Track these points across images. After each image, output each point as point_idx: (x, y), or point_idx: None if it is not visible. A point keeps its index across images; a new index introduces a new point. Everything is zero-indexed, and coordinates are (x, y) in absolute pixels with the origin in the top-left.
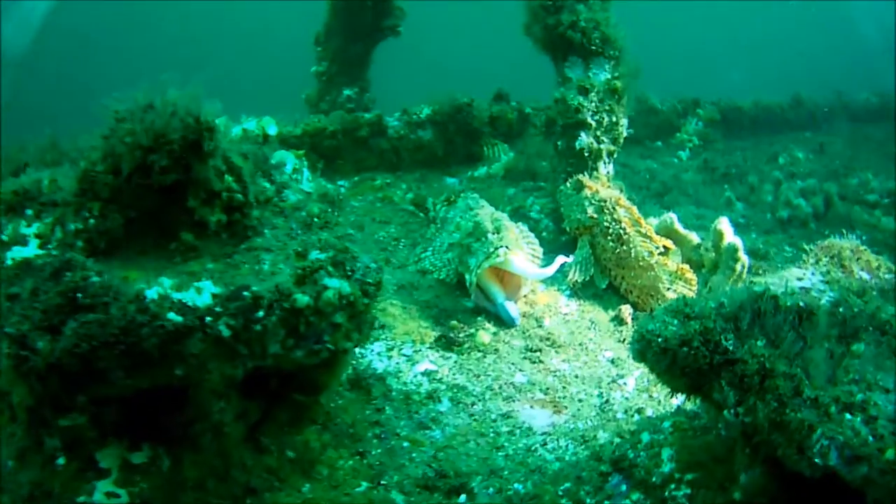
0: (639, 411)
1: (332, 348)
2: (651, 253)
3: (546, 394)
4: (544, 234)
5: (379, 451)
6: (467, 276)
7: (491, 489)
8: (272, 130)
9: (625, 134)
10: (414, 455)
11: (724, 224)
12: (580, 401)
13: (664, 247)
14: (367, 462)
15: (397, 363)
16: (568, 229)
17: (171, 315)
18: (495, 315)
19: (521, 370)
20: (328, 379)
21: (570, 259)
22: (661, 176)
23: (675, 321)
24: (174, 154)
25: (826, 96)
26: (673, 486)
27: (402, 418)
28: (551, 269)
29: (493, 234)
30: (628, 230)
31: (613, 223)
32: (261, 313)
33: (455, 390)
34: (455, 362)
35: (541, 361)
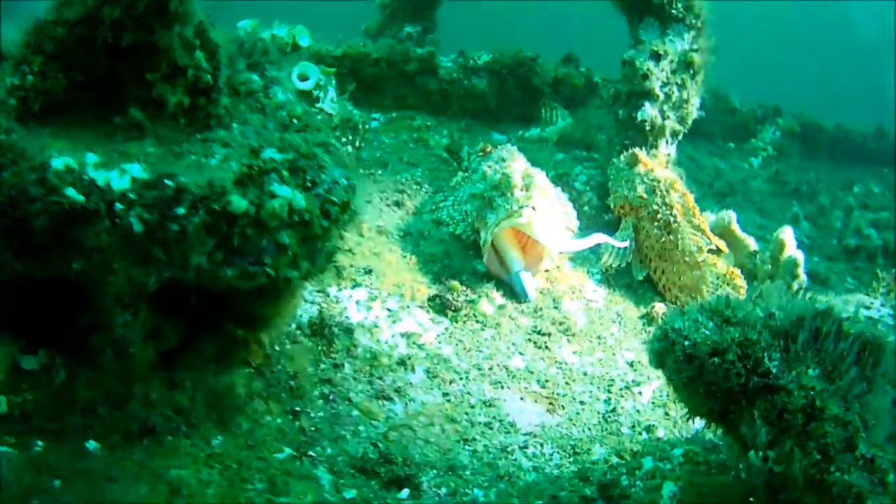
0: (648, 429)
1: (273, 274)
2: (700, 249)
3: (543, 387)
4: (586, 208)
5: (320, 414)
6: (482, 234)
7: (444, 489)
8: (304, 41)
9: (695, 115)
10: (361, 428)
11: (787, 234)
12: (582, 403)
13: (716, 246)
14: (300, 425)
15: (376, 317)
16: (612, 206)
17: (71, 192)
18: (508, 285)
19: (521, 353)
20: (267, 312)
21: (609, 240)
22: (727, 177)
23: (711, 324)
24: (133, 10)
25: None
26: None
27: (362, 381)
28: (583, 244)
29: (522, 190)
30: (679, 219)
31: (664, 208)
32: (181, 210)
33: (435, 361)
34: (445, 329)
35: (547, 348)
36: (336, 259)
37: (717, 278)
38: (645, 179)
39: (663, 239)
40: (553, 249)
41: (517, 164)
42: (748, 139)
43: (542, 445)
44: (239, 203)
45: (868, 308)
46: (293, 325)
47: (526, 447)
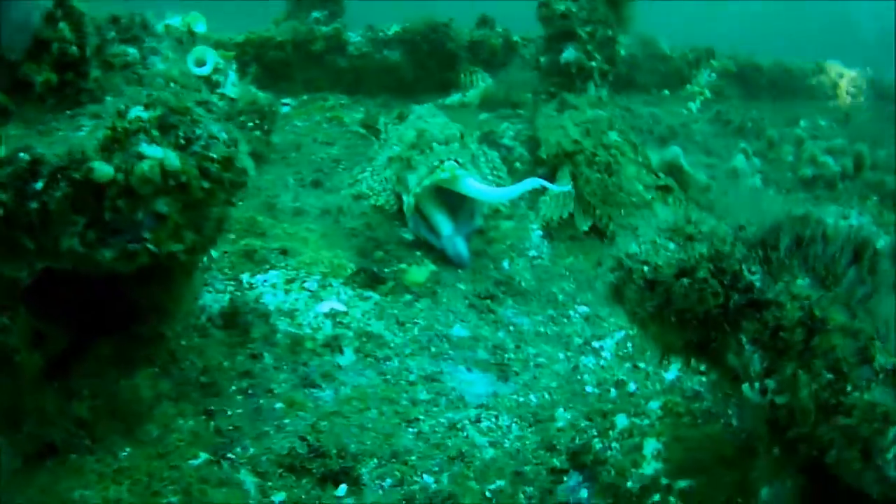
0: (617, 385)
1: (155, 250)
2: (647, 187)
3: (492, 354)
4: (517, 164)
5: (239, 411)
6: (405, 198)
7: (388, 480)
8: (200, 28)
9: (622, 54)
10: (286, 421)
11: (739, 161)
12: (538, 366)
13: (665, 183)
14: (216, 425)
15: (296, 299)
16: (545, 157)
17: None
18: (441, 251)
19: (462, 321)
20: (161, 299)
21: (546, 184)
22: (666, 122)
23: (672, 244)
24: None
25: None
26: (657, 496)
27: (284, 370)
28: (515, 191)
29: (442, 144)
30: (620, 158)
31: (601, 149)
32: (39, 184)
33: (365, 339)
34: (375, 304)
35: (491, 312)
36: (249, 243)
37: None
38: (577, 122)
39: (606, 182)
40: (483, 202)
41: (435, 121)
42: (683, 86)
43: (496, 417)
44: (102, 169)
45: (846, 218)
46: (203, 318)
47: (478, 421)
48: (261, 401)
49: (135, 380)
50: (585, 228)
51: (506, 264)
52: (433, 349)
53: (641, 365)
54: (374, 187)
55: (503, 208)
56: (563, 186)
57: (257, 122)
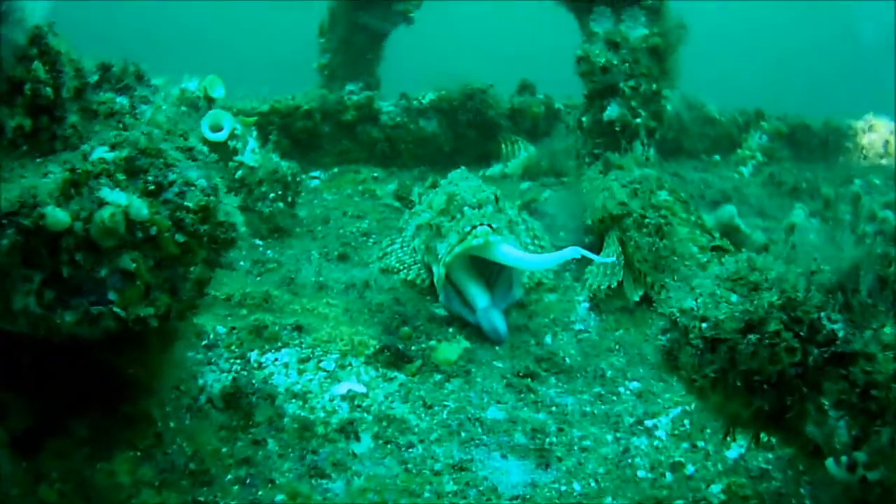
0: (673, 467)
1: (122, 314)
2: (702, 248)
3: (532, 439)
4: (561, 233)
5: (234, 502)
6: (434, 269)
7: None
8: (218, 93)
9: (669, 109)
10: None
11: (798, 216)
12: (583, 450)
13: (720, 246)
14: None
15: (309, 380)
16: (590, 223)
17: None
18: (476, 326)
19: (498, 402)
20: (137, 371)
21: (587, 254)
22: (718, 187)
23: (734, 296)
24: None
25: None
26: None
27: (290, 458)
28: (553, 259)
29: (475, 208)
30: (671, 219)
31: (651, 210)
32: None
33: (385, 424)
34: (399, 386)
35: (531, 391)
36: (259, 318)
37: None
38: (623, 183)
39: (656, 246)
40: (522, 270)
41: (467, 184)
42: (733, 150)
43: None
44: (56, 215)
45: None
46: (202, 398)
47: None
48: (259, 492)
49: (112, 464)
50: (636, 298)
51: (548, 339)
52: (463, 434)
53: (700, 444)
54: (404, 260)
55: (546, 280)
56: (608, 258)
57: (279, 192)
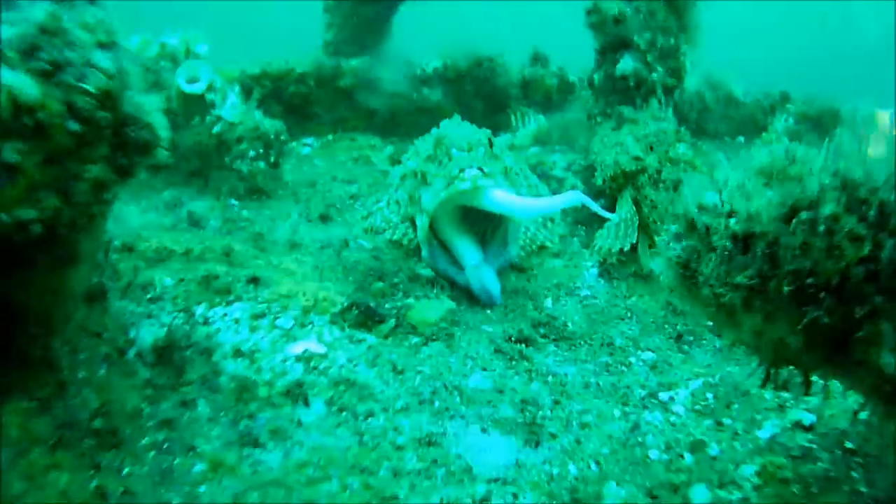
0: (693, 447)
1: (6, 220)
2: None
3: (521, 411)
4: None
5: (142, 470)
6: (418, 220)
7: None
8: (201, 49)
9: (688, 68)
10: (202, 490)
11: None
12: (584, 426)
13: None
14: (100, 486)
15: (262, 337)
16: (602, 182)
17: None
18: (464, 288)
19: (484, 369)
20: (28, 298)
21: (592, 206)
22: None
23: (770, 191)
24: None
25: None
26: None
27: (221, 423)
28: (552, 205)
29: (464, 151)
30: (690, 171)
31: (669, 165)
32: None
33: (343, 388)
34: (368, 349)
35: (524, 358)
36: (210, 270)
37: None
38: (638, 137)
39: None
40: (515, 216)
41: (459, 129)
42: (759, 133)
43: (515, 496)
44: None
45: None
46: (131, 353)
47: (487, 500)
48: (176, 460)
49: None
50: (652, 266)
51: (548, 303)
52: (437, 403)
53: (727, 421)
54: (390, 219)
55: (550, 244)
56: (624, 214)
57: (260, 151)
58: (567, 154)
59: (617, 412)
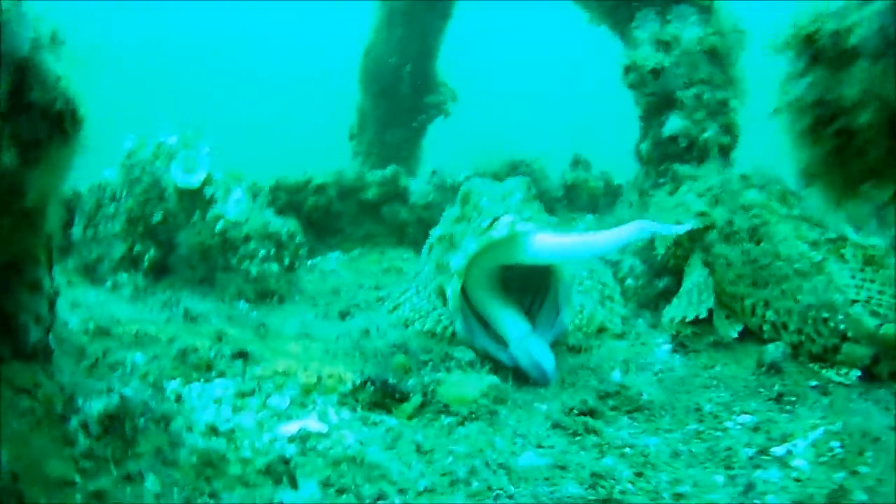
0: (834, 496)
1: None
2: (815, 244)
3: (591, 486)
4: (629, 280)
5: None
6: (447, 289)
7: None
8: (203, 148)
9: (739, 123)
10: None
11: None
12: (676, 497)
13: (837, 238)
14: None
15: (246, 417)
16: (665, 251)
17: None
18: (511, 367)
19: (539, 446)
20: None
21: (666, 231)
22: None
23: None
24: None
25: None
26: None
27: (171, 501)
28: (617, 239)
29: (496, 201)
30: (766, 216)
31: (740, 213)
32: None
33: (346, 467)
34: (387, 431)
35: (592, 432)
36: (189, 343)
37: (852, 272)
38: (700, 192)
39: (753, 255)
40: (570, 259)
41: (490, 185)
42: None
43: None
44: None
45: None
46: (74, 421)
47: None
48: None
49: None
50: (734, 335)
51: (615, 376)
52: (476, 484)
53: (864, 469)
54: (420, 308)
55: (610, 325)
56: (696, 279)
57: (271, 252)
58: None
59: (720, 478)
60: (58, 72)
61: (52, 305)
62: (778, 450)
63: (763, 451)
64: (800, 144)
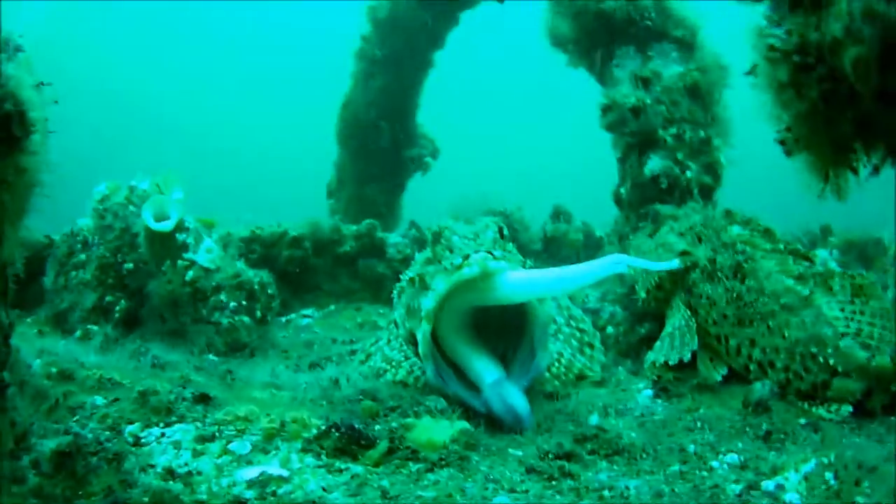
0: None
1: None
2: (800, 278)
3: None
4: (609, 328)
5: None
6: (418, 333)
7: None
8: (176, 195)
9: (723, 162)
10: None
11: None
12: None
13: (824, 272)
14: None
15: (205, 461)
16: (646, 295)
17: None
18: (485, 414)
19: (511, 490)
20: None
21: (642, 265)
22: None
23: None
24: None
25: None
26: None
27: None
28: (593, 271)
29: (468, 239)
30: (749, 252)
31: (723, 251)
32: None
33: None
34: (352, 477)
35: (569, 476)
36: (150, 386)
37: (840, 304)
38: (682, 231)
39: (737, 292)
40: (543, 295)
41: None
42: None
43: None
44: None
45: None
46: (26, 460)
47: None
48: None
49: None
50: (719, 378)
51: (594, 419)
52: None
53: (861, 500)
54: (392, 357)
55: (590, 372)
56: (678, 322)
57: (243, 302)
58: (601, 286)
59: None
60: (8, 71)
61: (6, 339)
62: (768, 483)
63: (752, 486)
64: (781, 102)
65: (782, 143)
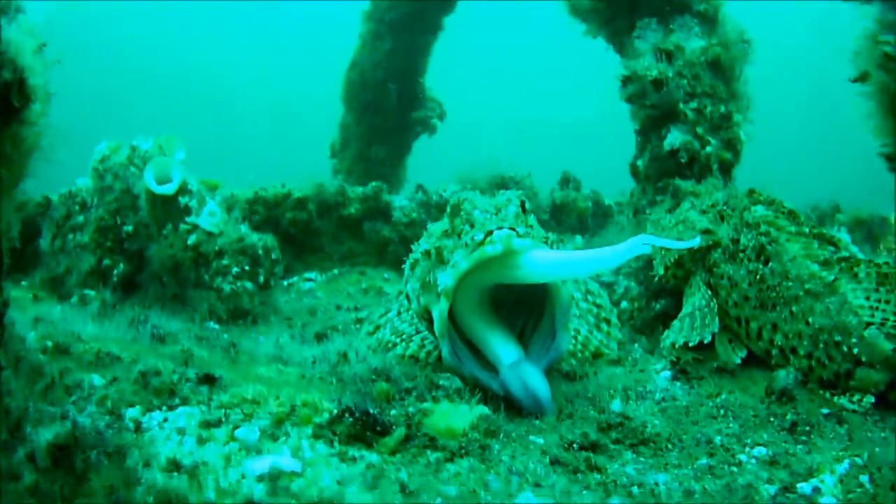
0: None
1: None
2: (826, 263)
3: None
4: (624, 303)
5: None
6: (434, 310)
7: None
8: (178, 156)
9: (744, 138)
10: None
11: None
12: None
13: (849, 257)
14: None
15: (211, 450)
16: (664, 271)
17: None
18: (502, 395)
19: (536, 486)
20: None
21: (666, 244)
22: None
23: None
24: None
25: None
26: None
27: None
28: (618, 253)
29: (488, 213)
30: (774, 234)
31: (746, 231)
32: None
33: None
34: (367, 467)
35: (595, 470)
36: (151, 366)
37: (866, 292)
38: (704, 208)
39: (760, 274)
40: (567, 276)
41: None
42: None
43: None
44: None
45: None
46: (20, 453)
47: None
48: None
49: None
50: (737, 361)
51: (616, 405)
52: None
53: None
54: (401, 330)
55: (607, 350)
56: (697, 302)
57: (246, 268)
58: None
59: None
60: (9, 35)
61: (0, 318)
62: (804, 486)
63: (788, 488)
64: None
65: (889, 158)
